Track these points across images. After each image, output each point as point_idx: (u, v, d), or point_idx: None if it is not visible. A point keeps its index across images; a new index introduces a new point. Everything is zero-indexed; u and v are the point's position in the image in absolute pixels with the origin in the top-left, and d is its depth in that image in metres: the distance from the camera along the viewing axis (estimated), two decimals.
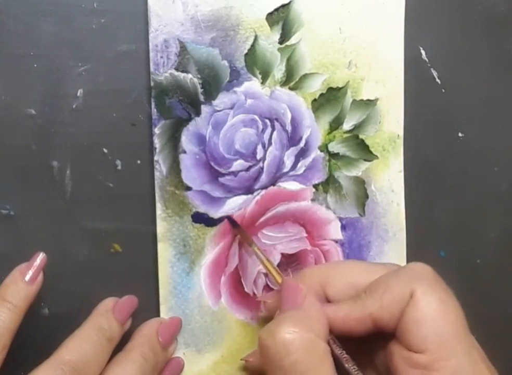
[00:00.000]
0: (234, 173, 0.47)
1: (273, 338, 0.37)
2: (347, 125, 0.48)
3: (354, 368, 0.39)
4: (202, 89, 0.46)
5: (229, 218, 0.46)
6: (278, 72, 0.47)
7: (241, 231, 0.46)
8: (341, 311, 0.39)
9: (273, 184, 0.47)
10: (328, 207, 0.48)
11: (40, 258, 0.43)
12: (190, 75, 0.46)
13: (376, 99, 0.48)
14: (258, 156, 0.47)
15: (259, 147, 0.47)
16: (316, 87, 0.47)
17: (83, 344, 0.42)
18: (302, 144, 0.48)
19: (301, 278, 0.43)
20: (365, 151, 0.48)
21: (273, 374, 0.37)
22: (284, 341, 0.37)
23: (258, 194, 0.47)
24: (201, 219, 0.47)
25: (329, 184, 0.48)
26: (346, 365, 0.39)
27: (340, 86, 0.48)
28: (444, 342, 0.36)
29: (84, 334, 0.43)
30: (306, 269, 0.45)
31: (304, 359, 0.36)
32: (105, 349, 0.43)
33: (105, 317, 0.44)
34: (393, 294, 0.38)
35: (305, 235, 0.48)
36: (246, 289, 0.48)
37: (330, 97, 0.48)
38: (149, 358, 0.44)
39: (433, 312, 0.37)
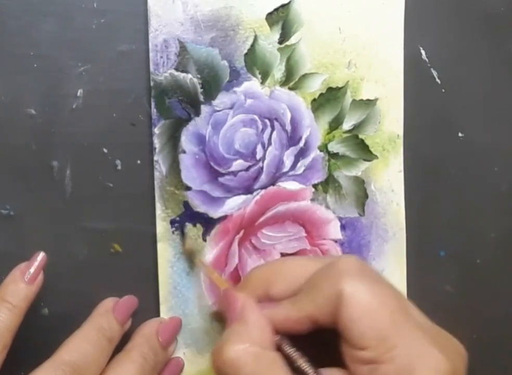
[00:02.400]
0: (234, 173, 0.47)
1: (221, 358, 0.38)
2: (346, 125, 0.48)
3: (305, 365, 0.38)
4: (202, 89, 0.46)
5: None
6: (278, 72, 0.47)
7: (187, 245, 0.47)
8: (280, 313, 0.39)
9: (273, 184, 0.47)
10: (327, 207, 0.48)
11: (40, 258, 0.43)
12: (189, 75, 0.46)
13: (376, 99, 0.48)
14: (258, 156, 0.47)
15: (259, 147, 0.47)
16: (315, 87, 0.47)
17: (83, 344, 0.42)
18: (301, 144, 0.48)
19: (244, 281, 0.43)
20: (365, 151, 0.48)
21: None
22: (231, 361, 0.37)
23: (257, 193, 0.47)
24: (200, 218, 0.47)
25: (329, 183, 0.48)
26: (296, 363, 0.38)
27: (340, 86, 0.48)
28: (383, 336, 0.36)
29: (84, 334, 0.43)
30: (252, 269, 0.44)
31: (254, 373, 0.37)
32: (105, 349, 0.43)
33: (106, 317, 0.44)
34: (323, 294, 0.37)
35: (305, 234, 0.48)
36: None
37: (329, 97, 0.48)
38: (149, 357, 0.44)
39: (364, 308, 0.36)
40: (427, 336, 0.36)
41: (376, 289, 0.37)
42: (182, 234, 0.46)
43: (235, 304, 0.40)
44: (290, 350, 0.39)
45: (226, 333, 0.39)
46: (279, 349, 0.39)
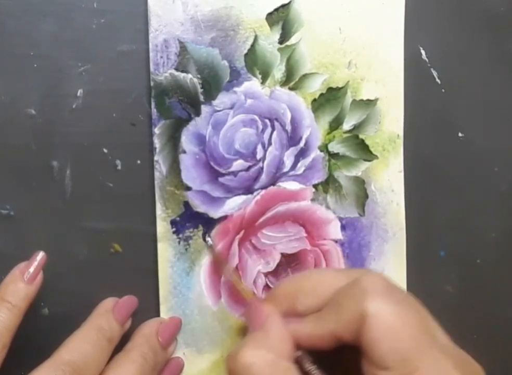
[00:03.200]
0: (234, 173, 0.47)
1: (235, 362, 0.38)
2: (347, 125, 0.48)
3: None
4: (202, 89, 0.46)
5: (208, 242, 0.47)
6: (278, 72, 0.47)
7: (214, 252, 0.47)
8: (305, 329, 0.39)
9: (273, 184, 0.47)
10: (327, 207, 0.48)
11: (39, 257, 0.43)
12: (190, 75, 0.46)
13: (376, 99, 0.48)
14: (258, 156, 0.47)
15: (259, 147, 0.47)
16: (315, 87, 0.47)
17: (83, 344, 0.42)
18: (301, 144, 0.48)
19: (271, 295, 0.43)
20: (365, 151, 0.48)
21: None
22: (245, 364, 0.37)
23: (258, 193, 0.47)
24: (200, 218, 0.47)
25: (329, 184, 0.48)
26: None
27: (340, 86, 0.48)
28: (405, 358, 0.35)
29: (84, 334, 0.43)
30: (278, 283, 0.45)
31: None
32: (105, 349, 0.43)
33: (105, 317, 0.44)
34: (347, 312, 0.37)
35: (305, 235, 0.48)
36: None
37: (329, 97, 0.48)
38: (149, 357, 0.44)
39: (387, 329, 0.36)
40: (450, 359, 0.36)
41: (400, 310, 0.37)
42: (204, 241, 0.47)
43: (260, 315, 0.40)
44: (311, 367, 0.39)
45: (245, 338, 0.39)
46: (299, 364, 0.39)
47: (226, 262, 0.46)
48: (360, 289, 0.38)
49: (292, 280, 0.44)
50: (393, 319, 0.36)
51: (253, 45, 0.46)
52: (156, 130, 0.46)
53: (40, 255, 0.43)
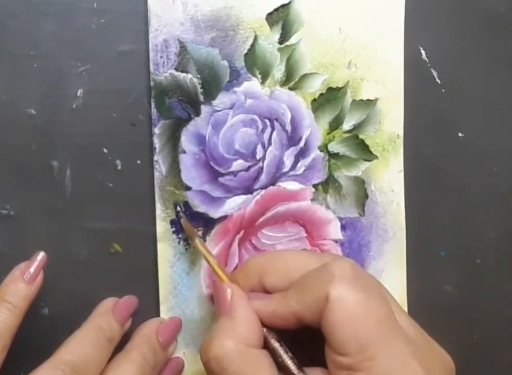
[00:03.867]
0: (234, 173, 0.47)
1: (207, 355, 0.38)
2: (347, 125, 0.48)
3: (289, 361, 0.38)
4: (202, 89, 0.46)
5: (177, 209, 0.46)
6: (278, 72, 0.47)
7: (185, 223, 0.46)
8: (268, 307, 0.39)
9: (273, 184, 0.47)
10: (327, 207, 0.48)
11: (40, 257, 0.43)
12: (189, 75, 0.46)
13: (376, 99, 0.48)
14: (258, 156, 0.47)
15: (259, 147, 0.47)
16: (315, 87, 0.47)
17: (83, 344, 0.42)
18: (301, 144, 0.48)
19: (241, 268, 0.43)
20: (365, 151, 0.48)
21: None
22: (217, 358, 0.37)
23: (258, 193, 0.47)
24: (200, 218, 0.47)
25: (329, 184, 0.48)
26: (280, 359, 0.38)
27: (340, 86, 0.48)
28: (363, 345, 0.35)
29: (84, 334, 0.43)
30: (248, 258, 0.45)
31: (239, 371, 0.37)
32: (105, 349, 0.43)
33: (105, 317, 0.44)
34: (311, 295, 0.37)
35: (305, 235, 0.48)
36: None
37: (329, 97, 0.48)
38: (149, 357, 0.44)
39: (348, 315, 0.36)
40: (411, 348, 0.36)
41: (364, 297, 0.37)
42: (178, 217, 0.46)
43: (224, 296, 0.40)
44: (275, 345, 0.39)
45: (214, 327, 0.39)
46: (265, 341, 0.39)
47: (195, 233, 0.46)
48: (327, 273, 0.38)
49: (263, 256, 0.44)
50: (355, 306, 0.36)
51: (253, 45, 0.46)
52: (156, 130, 0.46)
53: (41, 255, 0.43)
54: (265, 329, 0.39)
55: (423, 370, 0.35)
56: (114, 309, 0.45)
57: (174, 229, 0.46)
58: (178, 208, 0.46)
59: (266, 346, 0.39)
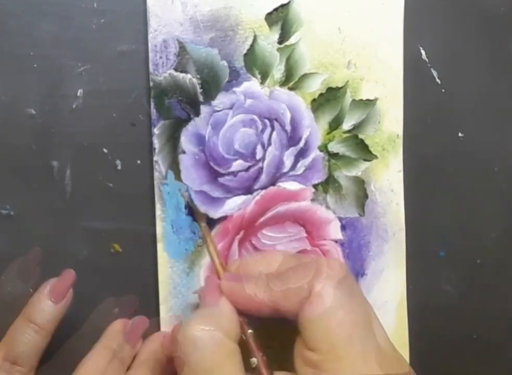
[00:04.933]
0: (234, 173, 0.47)
1: (184, 334, 0.38)
2: (346, 125, 0.48)
3: (261, 361, 0.38)
4: (201, 90, 0.46)
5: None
6: (277, 72, 0.47)
7: (197, 211, 0.46)
8: (247, 290, 0.39)
9: (273, 184, 0.47)
10: (327, 207, 0.48)
11: (69, 276, 0.42)
12: (189, 75, 0.46)
13: (376, 99, 0.48)
14: (258, 156, 0.47)
15: (259, 147, 0.47)
16: (315, 87, 0.47)
17: (100, 365, 0.42)
18: (301, 144, 0.48)
19: (230, 267, 0.44)
20: (365, 151, 0.48)
21: (180, 368, 0.38)
22: (193, 338, 0.37)
23: (258, 194, 0.47)
24: None
25: (329, 184, 0.48)
26: (253, 356, 0.39)
27: (339, 86, 0.48)
28: (334, 344, 0.36)
29: (98, 356, 0.43)
30: (234, 260, 0.46)
31: (210, 357, 0.37)
32: (120, 371, 0.43)
33: (117, 339, 0.44)
34: (295, 287, 0.38)
35: (305, 235, 0.48)
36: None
37: (329, 97, 0.48)
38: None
39: (326, 312, 0.36)
40: (379, 358, 0.36)
41: (346, 299, 0.37)
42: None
43: (214, 291, 0.41)
44: (250, 331, 0.40)
45: (197, 311, 0.40)
46: (244, 337, 0.39)
47: (203, 218, 0.46)
48: (315, 268, 0.38)
49: (248, 258, 0.45)
50: (335, 305, 0.37)
51: (252, 45, 0.46)
52: (156, 130, 0.46)
53: (70, 273, 0.42)
54: (241, 319, 0.40)
55: None
56: (124, 331, 0.45)
57: (174, 229, 0.46)
58: (187, 191, 0.46)
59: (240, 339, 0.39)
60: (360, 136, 0.48)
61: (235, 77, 0.46)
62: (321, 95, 0.47)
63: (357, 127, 0.48)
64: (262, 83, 0.47)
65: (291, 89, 0.47)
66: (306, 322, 0.36)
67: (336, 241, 0.49)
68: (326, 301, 0.36)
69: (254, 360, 0.38)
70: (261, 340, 0.40)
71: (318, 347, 0.36)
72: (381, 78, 0.48)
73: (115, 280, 0.47)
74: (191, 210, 0.46)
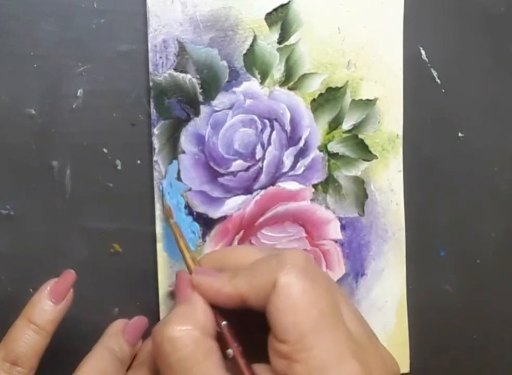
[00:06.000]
0: (234, 173, 0.47)
1: (162, 335, 0.38)
2: (346, 125, 0.48)
3: (238, 356, 0.38)
4: (201, 90, 0.46)
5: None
6: (277, 72, 0.47)
7: (166, 203, 0.46)
8: (215, 284, 0.39)
9: (273, 184, 0.47)
10: (327, 207, 0.48)
11: (69, 275, 0.42)
12: (189, 75, 0.46)
13: (376, 99, 0.48)
14: (258, 156, 0.47)
15: (259, 147, 0.47)
16: (315, 87, 0.47)
17: (100, 364, 0.42)
18: (301, 144, 0.48)
19: (200, 262, 0.43)
20: (364, 151, 0.48)
21: (162, 369, 0.38)
22: (171, 339, 0.37)
23: (257, 194, 0.47)
24: (200, 219, 0.47)
25: (329, 184, 0.48)
26: (229, 350, 0.39)
27: (339, 86, 0.48)
28: (302, 334, 0.35)
29: (97, 356, 0.43)
30: (209, 252, 0.46)
31: (189, 356, 0.37)
32: (119, 371, 0.43)
33: (116, 339, 0.44)
34: (260, 279, 0.37)
35: (305, 235, 0.48)
36: None
37: (329, 97, 0.48)
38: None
39: (292, 303, 0.36)
40: (351, 344, 0.36)
41: (312, 288, 0.37)
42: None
43: (186, 284, 0.41)
44: (224, 323, 0.39)
45: (172, 312, 0.39)
46: (218, 329, 0.39)
47: (172, 217, 0.46)
48: (279, 260, 0.38)
49: (220, 250, 0.45)
50: (300, 294, 0.36)
51: (252, 45, 0.46)
52: (155, 130, 0.46)
53: (70, 273, 0.42)
54: (224, 322, 0.39)
55: (361, 366, 0.35)
56: (124, 331, 0.45)
57: None
58: (162, 186, 0.46)
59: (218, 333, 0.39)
60: (360, 136, 0.48)
61: (235, 77, 0.46)
62: (320, 95, 0.47)
63: (356, 127, 0.48)
64: (262, 83, 0.47)
65: (290, 89, 0.47)
66: (274, 313, 0.36)
67: (336, 241, 0.49)
68: (291, 292, 0.36)
69: (230, 351, 0.38)
70: (237, 332, 0.40)
71: (287, 339, 0.36)
72: (380, 78, 0.48)
73: (115, 280, 0.47)
74: (191, 210, 0.46)
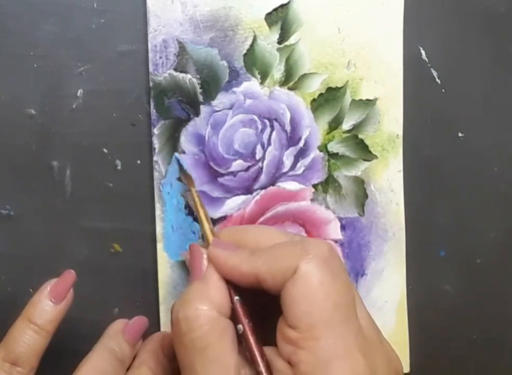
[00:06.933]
0: (234, 173, 0.47)
1: (180, 314, 0.38)
2: (346, 125, 0.48)
3: (250, 336, 0.38)
4: (201, 90, 0.46)
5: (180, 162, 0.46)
6: (277, 72, 0.47)
7: (186, 174, 0.46)
8: (233, 259, 0.39)
9: (273, 184, 0.47)
10: (327, 207, 0.48)
11: (69, 275, 0.42)
12: (189, 75, 0.46)
13: (376, 99, 0.48)
14: (258, 156, 0.47)
15: (259, 147, 0.47)
16: (315, 87, 0.47)
17: (100, 364, 0.42)
18: (301, 144, 0.48)
19: (219, 235, 0.43)
20: (364, 151, 0.48)
21: (177, 347, 0.38)
22: (188, 319, 0.38)
23: (257, 194, 0.47)
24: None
25: (329, 184, 0.48)
26: (241, 330, 0.39)
27: (339, 86, 0.48)
28: (313, 323, 0.36)
29: (97, 356, 0.43)
30: (225, 228, 0.45)
31: (204, 336, 0.37)
32: (119, 371, 0.43)
33: (116, 339, 0.44)
34: (281, 263, 0.37)
35: (305, 235, 0.48)
36: None
37: (329, 97, 0.48)
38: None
39: (308, 292, 0.36)
40: (359, 339, 0.36)
41: (330, 280, 0.37)
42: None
43: (200, 260, 0.40)
44: (236, 298, 0.39)
45: (187, 289, 0.39)
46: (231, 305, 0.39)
47: (193, 185, 0.46)
48: (303, 248, 0.38)
49: (237, 228, 0.45)
50: (318, 285, 0.36)
51: (252, 45, 0.46)
52: (156, 130, 0.46)
53: (70, 273, 0.42)
54: (237, 298, 0.39)
55: (366, 362, 0.36)
56: (124, 331, 0.45)
57: (174, 229, 0.46)
58: (177, 156, 0.46)
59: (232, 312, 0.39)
60: (360, 136, 0.48)
61: (235, 77, 0.46)
62: (320, 95, 0.47)
63: (356, 127, 0.48)
64: (262, 83, 0.47)
65: (290, 89, 0.47)
66: (288, 300, 0.36)
67: (336, 241, 0.49)
68: (310, 282, 0.36)
69: (240, 326, 0.38)
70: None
71: (298, 325, 0.36)
72: (380, 78, 0.48)
73: (115, 280, 0.47)
74: (191, 210, 0.46)
